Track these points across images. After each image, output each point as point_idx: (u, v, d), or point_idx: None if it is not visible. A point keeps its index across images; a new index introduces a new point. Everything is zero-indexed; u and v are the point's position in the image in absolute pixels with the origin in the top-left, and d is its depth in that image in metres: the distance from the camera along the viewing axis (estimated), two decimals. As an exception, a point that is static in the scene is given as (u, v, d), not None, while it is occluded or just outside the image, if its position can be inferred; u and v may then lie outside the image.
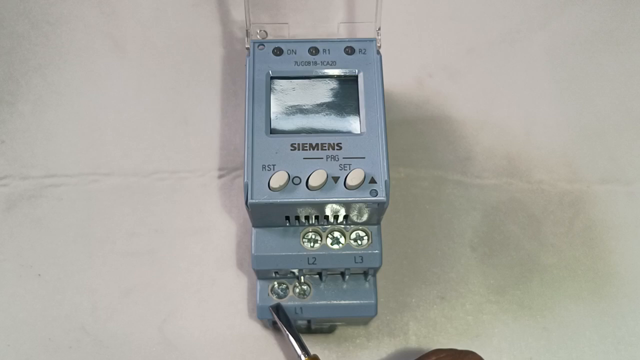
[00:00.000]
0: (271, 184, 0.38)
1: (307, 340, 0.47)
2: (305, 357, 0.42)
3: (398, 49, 0.53)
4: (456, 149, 0.53)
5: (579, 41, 0.57)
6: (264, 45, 0.42)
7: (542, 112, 0.54)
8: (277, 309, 0.43)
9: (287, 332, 0.42)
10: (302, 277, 0.43)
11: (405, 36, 0.56)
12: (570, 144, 0.53)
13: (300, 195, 0.38)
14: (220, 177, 0.52)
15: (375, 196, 0.38)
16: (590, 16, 0.58)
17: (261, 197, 0.38)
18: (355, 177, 0.38)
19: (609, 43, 0.57)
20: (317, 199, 0.38)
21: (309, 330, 0.47)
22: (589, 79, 0.56)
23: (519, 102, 0.55)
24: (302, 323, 0.46)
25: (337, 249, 0.41)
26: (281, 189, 0.38)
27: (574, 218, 0.51)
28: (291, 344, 0.42)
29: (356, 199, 0.38)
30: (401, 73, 0.55)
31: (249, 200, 0.38)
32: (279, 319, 0.42)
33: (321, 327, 0.47)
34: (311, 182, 0.38)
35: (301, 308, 0.43)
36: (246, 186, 0.38)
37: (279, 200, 0.38)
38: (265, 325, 0.47)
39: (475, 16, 0.58)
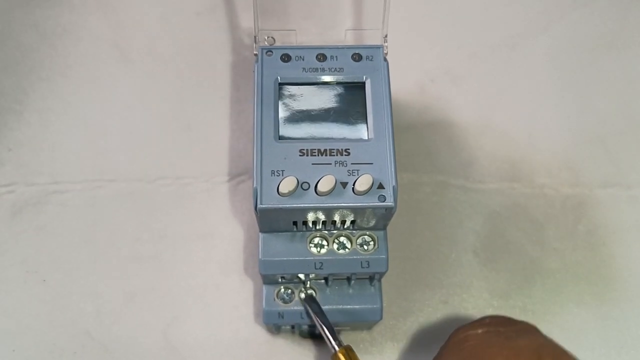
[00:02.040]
0: (280, 189, 0.38)
1: (311, 345, 0.48)
2: (338, 347, 0.41)
3: (400, 55, 0.53)
4: (458, 154, 0.53)
5: (581, 45, 0.58)
6: (272, 52, 0.42)
7: (544, 116, 0.55)
8: (310, 299, 0.43)
9: (320, 323, 0.42)
10: (308, 282, 0.44)
11: (407, 42, 0.56)
12: (572, 148, 0.54)
13: (309, 200, 0.38)
14: (224, 182, 0.52)
15: (384, 201, 0.38)
16: (591, 20, 0.58)
17: (270, 202, 0.38)
18: (363, 182, 0.38)
19: (611, 47, 0.57)
20: (325, 204, 0.38)
21: (313, 335, 0.47)
22: (590, 83, 0.56)
23: (520, 107, 0.55)
24: (306, 327, 0.46)
25: (344, 254, 0.42)
26: (290, 194, 0.38)
27: (577, 222, 0.51)
28: (324, 334, 0.42)
29: (364, 204, 0.39)
30: (403, 78, 0.55)
31: (259, 206, 0.38)
32: (312, 310, 0.42)
33: (326, 332, 0.47)
34: (320, 188, 0.38)
35: (307, 313, 0.44)
36: (255, 191, 0.38)
37: (288, 206, 0.38)
38: (270, 331, 0.48)
39: (476, 21, 0.58)
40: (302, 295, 0.44)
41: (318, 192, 0.38)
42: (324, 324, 0.42)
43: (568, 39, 0.58)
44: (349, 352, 0.41)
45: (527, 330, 0.42)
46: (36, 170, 0.52)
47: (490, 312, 0.49)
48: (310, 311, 0.42)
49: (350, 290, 0.44)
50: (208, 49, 0.56)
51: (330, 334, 0.42)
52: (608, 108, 0.55)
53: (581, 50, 0.57)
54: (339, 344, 0.42)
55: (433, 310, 0.49)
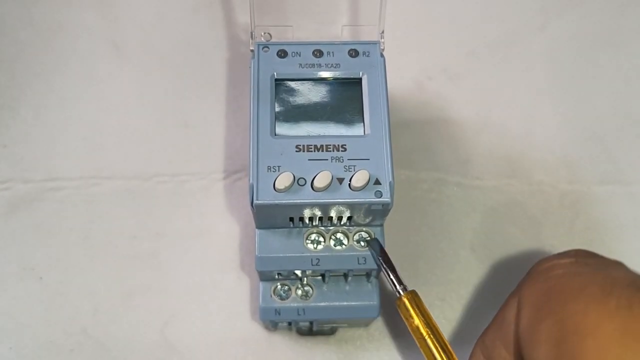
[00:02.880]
0: (276, 185, 0.38)
1: (308, 341, 0.47)
2: (403, 292, 0.40)
3: (397, 52, 0.53)
4: (456, 151, 0.53)
5: (578, 43, 0.58)
6: (268, 48, 0.42)
7: (542, 113, 0.55)
8: (375, 243, 0.41)
9: (384, 266, 0.40)
10: (304, 279, 0.44)
11: (404, 39, 0.56)
12: (569, 145, 0.54)
13: (305, 196, 0.38)
14: (221, 180, 0.52)
15: (380, 197, 0.38)
16: (588, 18, 0.58)
17: (266, 198, 0.38)
18: (360, 178, 0.38)
19: (608, 45, 0.57)
20: (322, 200, 0.38)
21: (311, 331, 0.47)
22: (588, 80, 0.56)
23: (518, 104, 0.55)
24: (304, 325, 0.46)
25: (341, 250, 0.41)
26: (286, 190, 0.38)
27: (575, 219, 0.51)
28: (388, 278, 0.40)
29: (361, 200, 0.38)
30: (400, 75, 0.55)
31: (255, 202, 0.38)
32: (377, 254, 0.41)
33: (322, 328, 0.47)
34: (316, 183, 0.38)
35: (304, 309, 0.43)
36: (251, 187, 0.38)
37: (284, 201, 0.38)
38: (267, 327, 0.48)
39: (474, 19, 0.58)
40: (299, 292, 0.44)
41: (314, 188, 0.38)
42: (388, 267, 0.40)
43: (565, 36, 0.58)
44: (414, 297, 0.40)
45: (617, 264, 0.37)
46: (32, 167, 0.52)
47: (487, 310, 0.49)
48: (375, 256, 0.41)
49: (347, 287, 0.44)
50: (205, 45, 0.56)
51: (394, 277, 0.40)
52: (606, 105, 0.55)
53: (579, 47, 0.57)
54: (404, 289, 0.40)
55: (430, 307, 0.48)
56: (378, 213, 0.40)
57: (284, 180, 0.38)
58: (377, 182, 0.39)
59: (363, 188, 0.38)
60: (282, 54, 0.42)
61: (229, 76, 0.55)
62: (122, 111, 0.54)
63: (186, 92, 0.54)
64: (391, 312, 0.48)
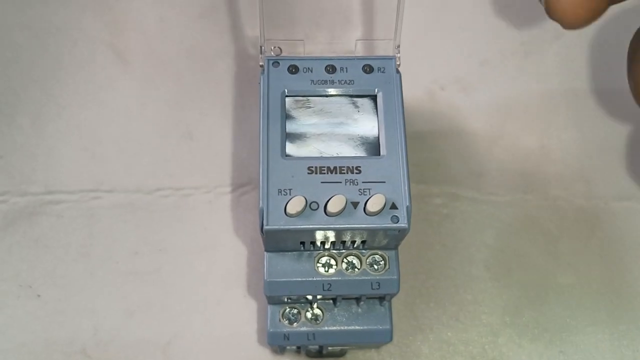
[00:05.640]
0: (288, 210, 0.36)
1: (316, 363, 0.46)
2: None
3: (409, 61, 0.52)
4: (469, 165, 0.52)
5: (594, 52, 0.56)
6: (278, 63, 0.40)
7: (557, 126, 0.53)
8: None
9: None
10: (315, 302, 0.42)
11: (416, 48, 0.55)
12: (586, 159, 0.52)
13: (318, 221, 0.37)
14: (226, 193, 0.50)
15: (397, 223, 0.37)
16: (605, 27, 0.57)
17: (277, 223, 0.36)
18: (375, 202, 0.37)
19: (624, 55, 0.56)
20: (336, 225, 0.37)
21: (320, 354, 0.46)
22: (605, 91, 0.55)
23: (533, 116, 0.54)
24: (313, 348, 0.45)
25: (353, 275, 0.40)
26: (298, 214, 0.36)
27: (591, 236, 0.50)
28: None
29: (376, 225, 0.37)
30: (412, 86, 0.53)
31: (265, 227, 0.36)
32: None
33: (332, 350, 0.46)
34: (330, 208, 0.36)
35: (314, 334, 0.42)
36: (261, 212, 0.36)
37: (296, 227, 0.36)
38: (274, 351, 0.46)
39: (487, 28, 0.57)
40: (309, 316, 0.42)
41: (327, 213, 0.37)
42: None
43: (581, 45, 0.56)
44: None
45: None
46: (29, 179, 0.50)
47: (503, 330, 0.47)
48: None
49: (359, 310, 0.42)
50: (210, 53, 0.54)
51: None
52: (624, 117, 0.54)
53: (595, 57, 0.56)
54: None
55: (443, 327, 0.48)
56: (393, 238, 0.38)
57: (295, 204, 0.36)
58: (394, 207, 0.37)
59: (379, 213, 0.37)
60: (293, 69, 0.40)
61: (236, 85, 0.53)
62: (124, 121, 0.52)
63: (190, 101, 0.53)
64: (403, 333, 0.47)
